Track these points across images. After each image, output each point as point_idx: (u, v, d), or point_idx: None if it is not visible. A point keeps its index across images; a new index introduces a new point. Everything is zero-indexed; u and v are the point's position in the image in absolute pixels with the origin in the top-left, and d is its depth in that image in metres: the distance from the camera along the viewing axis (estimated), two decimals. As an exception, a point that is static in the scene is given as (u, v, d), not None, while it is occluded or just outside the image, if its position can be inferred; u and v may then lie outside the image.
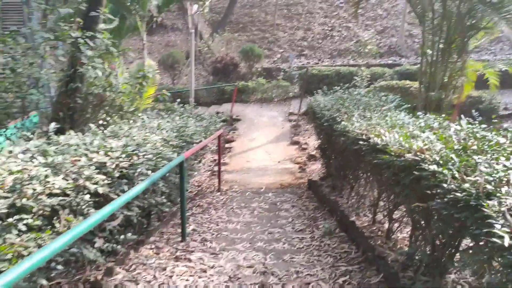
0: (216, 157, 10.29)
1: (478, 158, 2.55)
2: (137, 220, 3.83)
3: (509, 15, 8.41)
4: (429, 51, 9.71)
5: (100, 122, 5.70)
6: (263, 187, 8.55)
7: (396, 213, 4.79)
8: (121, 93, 7.16)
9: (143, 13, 12.12)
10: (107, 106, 7.23)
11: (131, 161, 3.48)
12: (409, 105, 7.44)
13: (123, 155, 3.49)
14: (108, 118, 5.93)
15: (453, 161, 2.60)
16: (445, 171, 2.46)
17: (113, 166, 3.21)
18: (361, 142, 4.35)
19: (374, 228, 5.30)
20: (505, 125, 10.94)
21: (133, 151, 3.68)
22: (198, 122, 7.08)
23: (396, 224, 4.93)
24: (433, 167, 2.53)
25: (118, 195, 3.23)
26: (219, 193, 7.84)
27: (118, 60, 7.33)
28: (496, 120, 11.57)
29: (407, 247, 4.64)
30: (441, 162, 2.61)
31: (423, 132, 3.92)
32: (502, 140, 2.94)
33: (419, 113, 4.93)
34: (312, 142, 11.66)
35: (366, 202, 6.46)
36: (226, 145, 12.36)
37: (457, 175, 2.44)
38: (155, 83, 11.44)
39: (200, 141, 6.35)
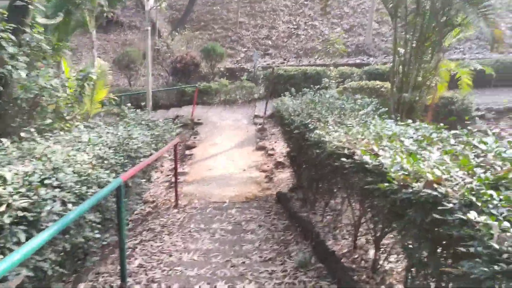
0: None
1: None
2: (53, 270, 2.84)
3: (487, 11, 7.86)
4: (401, 50, 9.12)
5: (23, 134, 4.59)
6: (226, 201, 7.62)
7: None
8: (57, 97, 6.10)
9: (91, 7, 10.90)
10: (43, 113, 6.17)
11: (36, 196, 2.50)
12: (386, 109, 6.72)
13: (24, 189, 2.50)
14: (32, 129, 4.83)
15: (494, 201, 1.78)
16: (491, 222, 1.63)
17: (2, 208, 2.23)
18: (343, 159, 3.52)
19: (356, 256, 4.49)
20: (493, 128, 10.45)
21: (41, 180, 2.69)
22: (149, 131, 6.08)
23: (382, 249, 4.18)
24: (473, 215, 1.69)
25: (12, 250, 2.25)
26: (176, 210, 6.86)
27: (52, 59, 6.23)
28: (469, 122, 11.14)
29: (398, 283, 3.87)
30: (478, 203, 1.78)
31: (422, 147, 3.14)
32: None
33: (410, 121, 4.14)
34: (280, 147, 10.83)
35: (344, 220, 5.68)
36: (187, 152, 11.35)
37: (509, 227, 1.62)
38: (107, 84, 10.28)
39: (151, 154, 5.38)
